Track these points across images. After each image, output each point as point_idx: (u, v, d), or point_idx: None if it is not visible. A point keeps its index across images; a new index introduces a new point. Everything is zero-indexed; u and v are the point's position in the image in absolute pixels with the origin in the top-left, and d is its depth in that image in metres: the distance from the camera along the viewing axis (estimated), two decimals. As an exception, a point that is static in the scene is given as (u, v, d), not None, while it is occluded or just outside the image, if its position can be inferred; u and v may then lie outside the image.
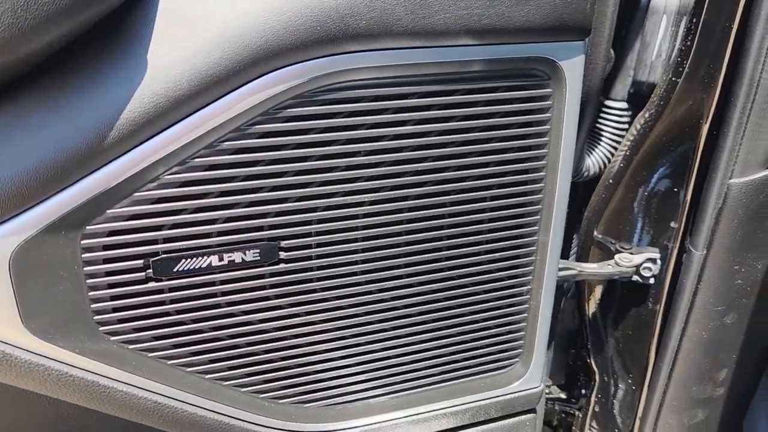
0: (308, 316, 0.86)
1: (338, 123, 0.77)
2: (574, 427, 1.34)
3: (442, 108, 0.80)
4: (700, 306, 1.04)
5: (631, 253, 1.10)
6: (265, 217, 0.79)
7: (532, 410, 1.05)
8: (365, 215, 0.82)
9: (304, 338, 0.88)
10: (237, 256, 0.79)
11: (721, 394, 1.13)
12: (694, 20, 0.97)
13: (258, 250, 0.80)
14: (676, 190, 1.04)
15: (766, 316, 1.07)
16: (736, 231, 0.97)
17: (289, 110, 0.74)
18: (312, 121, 0.76)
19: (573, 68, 0.84)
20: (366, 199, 0.81)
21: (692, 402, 1.13)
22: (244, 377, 0.87)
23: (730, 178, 0.94)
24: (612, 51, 1.03)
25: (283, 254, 0.81)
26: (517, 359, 1.00)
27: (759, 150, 0.92)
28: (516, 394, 1.01)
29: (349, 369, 0.92)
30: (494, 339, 0.97)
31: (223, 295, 0.81)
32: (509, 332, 0.98)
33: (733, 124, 0.91)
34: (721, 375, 1.11)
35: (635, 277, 1.09)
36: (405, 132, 0.80)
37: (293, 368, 0.89)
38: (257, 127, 0.74)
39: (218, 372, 0.85)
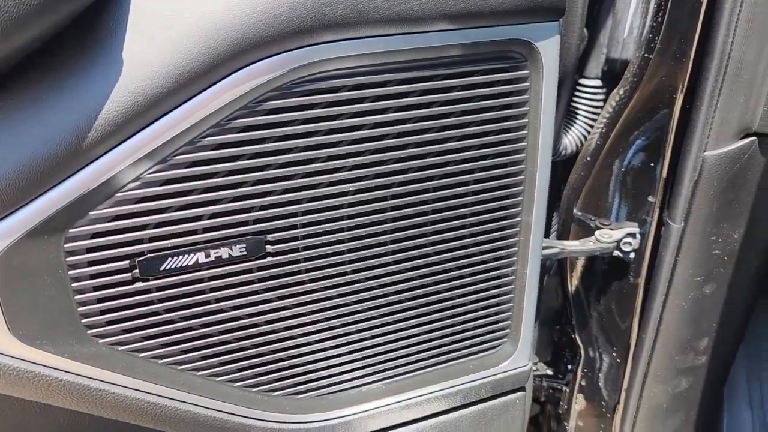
0: (298, 308, 0.86)
1: (319, 113, 0.76)
2: (561, 402, 1.37)
3: (421, 94, 0.80)
4: (679, 277, 1.06)
5: (611, 229, 1.12)
6: (250, 212, 0.78)
7: (522, 388, 1.07)
8: (350, 204, 0.82)
9: (295, 330, 0.88)
10: (223, 252, 0.79)
11: (702, 363, 1.16)
12: (665, -4, 0.98)
13: (244, 245, 0.79)
14: (652, 164, 1.06)
15: (743, 284, 1.10)
16: (712, 202, 0.99)
17: (269, 103, 0.74)
18: (292, 113, 0.75)
19: (549, 49, 0.84)
20: (350, 189, 0.82)
21: (675, 371, 1.15)
22: (236, 372, 0.87)
23: (704, 151, 0.96)
24: (585, 30, 1.04)
25: (269, 248, 0.81)
26: (505, 339, 1.02)
27: (732, 122, 0.94)
28: (505, 374, 1.03)
29: (341, 358, 0.92)
30: (482, 320, 0.98)
31: (211, 292, 0.81)
32: (496, 313, 0.99)
33: (705, 98, 0.93)
34: (703, 343, 1.14)
35: (616, 253, 1.11)
36: (386, 120, 0.80)
37: (285, 360, 0.89)
38: (238, 121, 0.74)
39: (210, 368, 0.85)
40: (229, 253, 0.79)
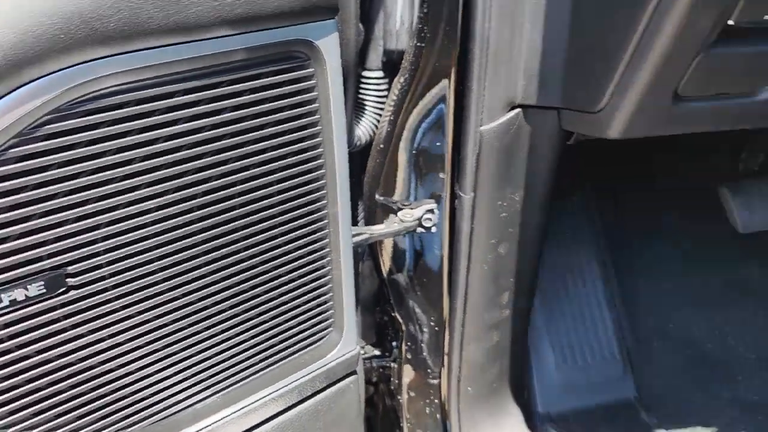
0: (114, 338, 0.82)
1: (104, 133, 0.73)
2: (392, 378, 1.43)
3: (210, 101, 0.80)
4: (477, 242, 1.16)
5: (412, 209, 1.19)
6: (43, 246, 0.73)
7: (353, 372, 1.11)
8: (154, 222, 0.80)
9: (115, 362, 0.83)
10: (18, 294, 0.72)
11: (507, 315, 1.28)
12: (427, -12, 1.06)
13: (42, 283, 0.73)
14: (438, 144, 1.14)
15: (529, 240, 1.23)
16: (494, 171, 1.10)
17: (46, 127, 0.69)
18: (75, 135, 0.71)
19: (329, 46, 0.88)
20: (152, 206, 0.79)
21: (487, 327, 1.26)
22: (54, 419, 0.80)
23: (480, 126, 1.06)
24: (360, 25, 1.10)
25: (71, 281, 0.76)
26: (330, 329, 1.05)
27: (499, 97, 1.04)
28: (336, 361, 1.06)
29: (169, 380, 0.89)
30: (306, 315, 1.00)
31: (10, 340, 0.74)
32: (318, 305, 1.01)
33: (474, 79, 1.02)
34: (505, 298, 1.26)
35: (419, 229, 1.19)
36: (178, 131, 0.78)
37: (108, 396, 0.84)
38: (13, 151, 0.68)
39: (20, 423, 0.78)
40: (25, 294, 0.73)
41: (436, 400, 1.36)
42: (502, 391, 1.36)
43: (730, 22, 0.86)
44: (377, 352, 1.43)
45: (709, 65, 0.91)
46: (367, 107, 1.21)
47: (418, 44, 1.09)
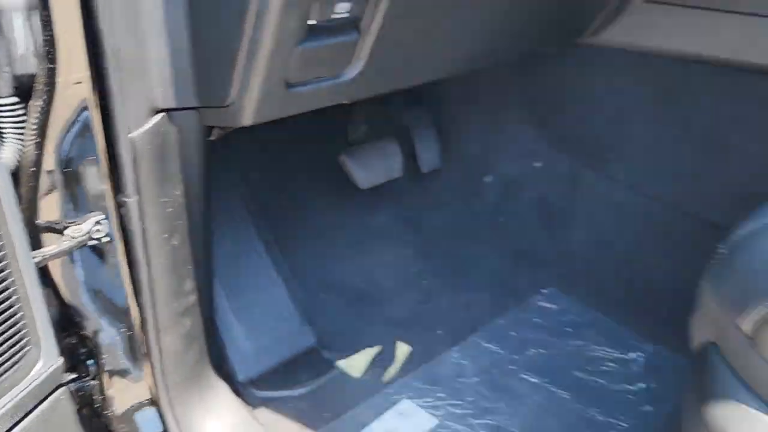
0: None
1: None
2: (95, 397, 1.43)
3: None
4: (151, 240, 1.24)
5: (79, 224, 1.22)
6: None
7: (62, 384, 1.12)
8: None
9: None
10: None
11: (194, 301, 1.39)
12: (45, 13, 1.10)
13: None
14: (92, 157, 1.19)
15: (198, 228, 1.35)
16: (152, 173, 1.19)
17: None
18: None
19: None
20: None
21: (178, 316, 1.35)
22: None
23: (129, 133, 1.14)
24: None
25: None
26: (28, 347, 1.04)
27: (142, 105, 1.13)
28: (42, 377, 1.05)
29: None
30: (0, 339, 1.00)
31: None
32: (11, 326, 1.00)
33: (114, 91, 1.09)
34: (188, 285, 1.36)
35: (92, 242, 1.23)
36: None
37: None
38: None
39: None
40: None
41: (146, 401, 1.41)
42: (205, 371, 1.47)
43: (311, 22, 1.11)
44: (75, 375, 1.41)
45: (305, 56, 1.15)
46: (6, 135, 1.20)
47: (50, 66, 1.13)
